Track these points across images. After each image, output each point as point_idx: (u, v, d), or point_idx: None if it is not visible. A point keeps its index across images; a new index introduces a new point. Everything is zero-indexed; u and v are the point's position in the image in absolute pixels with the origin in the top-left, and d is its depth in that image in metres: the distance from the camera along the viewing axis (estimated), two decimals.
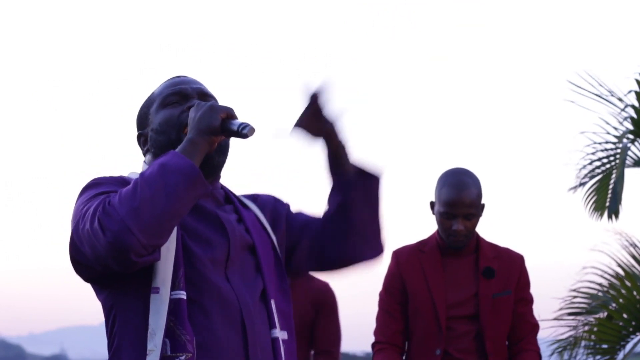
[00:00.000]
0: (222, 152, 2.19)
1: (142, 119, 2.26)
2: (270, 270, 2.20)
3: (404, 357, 3.63)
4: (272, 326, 2.13)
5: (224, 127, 2.07)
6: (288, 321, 2.19)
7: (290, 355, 2.16)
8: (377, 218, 2.24)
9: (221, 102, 2.26)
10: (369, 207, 2.23)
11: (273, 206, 2.31)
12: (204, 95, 2.24)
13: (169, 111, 2.20)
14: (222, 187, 2.26)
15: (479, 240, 3.63)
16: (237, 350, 2.06)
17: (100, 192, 2.04)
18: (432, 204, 3.62)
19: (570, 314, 5.87)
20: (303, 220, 2.30)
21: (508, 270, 3.60)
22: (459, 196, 3.49)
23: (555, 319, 5.86)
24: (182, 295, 2.03)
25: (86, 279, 2.10)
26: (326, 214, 2.26)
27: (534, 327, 3.62)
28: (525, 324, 3.60)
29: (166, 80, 2.30)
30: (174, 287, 2.03)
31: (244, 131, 2.04)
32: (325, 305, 4.13)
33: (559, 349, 5.86)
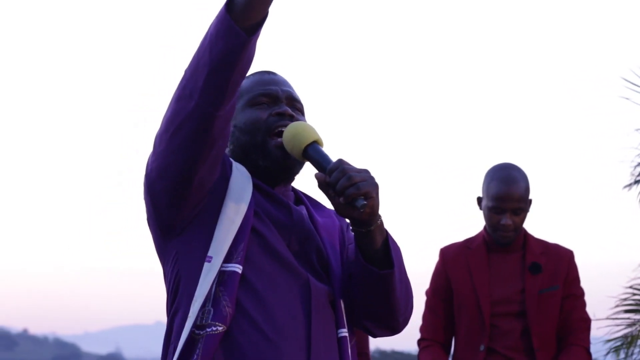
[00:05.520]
0: (301, 164, 2.12)
1: None
2: (338, 270, 2.09)
3: (451, 351, 3.64)
4: (339, 325, 2.03)
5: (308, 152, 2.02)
6: (350, 325, 2.08)
7: (354, 355, 2.05)
8: (393, 309, 2.06)
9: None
10: (385, 303, 2.04)
11: (341, 224, 2.21)
12: (293, 100, 2.16)
13: (256, 112, 2.12)
14: (293, 189, 2.19)
15: (526, 236, 3.60)
16: (298, 330, 1.97)
17: None
18: (480, 199, 3.61)
19: (626, 311, 5.80)
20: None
21: (556, 265, 3.56)
22: (507, 191, 3.47)
23: (611, 317, 5.80)
24: (236, 268, 1.96)
25: (160, 226, 2.03)
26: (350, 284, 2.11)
27: (585, 321, 3.56)
28: (574, 319, 3.54)
29: (255, 73, 2.20)
30: (228, 260, 1.96)
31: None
32: None
33: (615, 347, 5.80)
